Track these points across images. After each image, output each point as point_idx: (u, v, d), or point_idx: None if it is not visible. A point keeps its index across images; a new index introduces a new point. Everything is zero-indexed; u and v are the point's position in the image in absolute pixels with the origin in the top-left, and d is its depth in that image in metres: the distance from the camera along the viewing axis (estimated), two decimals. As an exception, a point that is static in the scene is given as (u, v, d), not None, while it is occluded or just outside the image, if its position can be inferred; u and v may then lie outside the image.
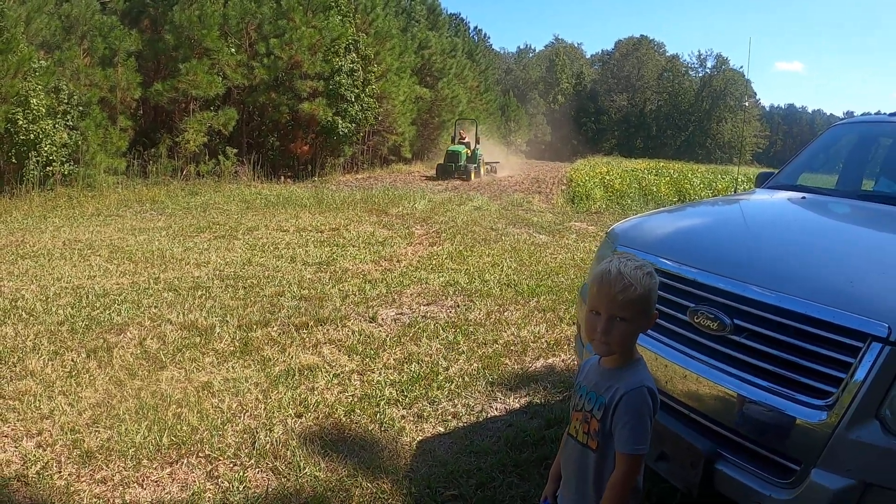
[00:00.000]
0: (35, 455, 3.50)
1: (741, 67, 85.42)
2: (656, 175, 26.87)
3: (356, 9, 26.80)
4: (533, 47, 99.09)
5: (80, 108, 16.65)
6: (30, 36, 15.80)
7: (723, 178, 25.56)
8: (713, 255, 3.01)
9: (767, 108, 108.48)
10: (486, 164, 29.27)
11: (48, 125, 15.03)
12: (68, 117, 16.13)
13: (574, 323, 5.76)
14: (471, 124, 31.59)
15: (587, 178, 23.18)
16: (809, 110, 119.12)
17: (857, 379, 2.18)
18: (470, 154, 26.83)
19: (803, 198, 3.94)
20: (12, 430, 3.80)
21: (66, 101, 16.12)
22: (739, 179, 23.45)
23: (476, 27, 71.23)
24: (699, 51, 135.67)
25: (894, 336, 2.14)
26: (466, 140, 28.12)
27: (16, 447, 3.61)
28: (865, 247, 3.08)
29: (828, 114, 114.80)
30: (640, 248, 3.25)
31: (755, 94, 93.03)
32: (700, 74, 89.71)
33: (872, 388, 2.15)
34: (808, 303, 2.39)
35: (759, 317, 2.52)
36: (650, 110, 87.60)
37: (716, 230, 3.61)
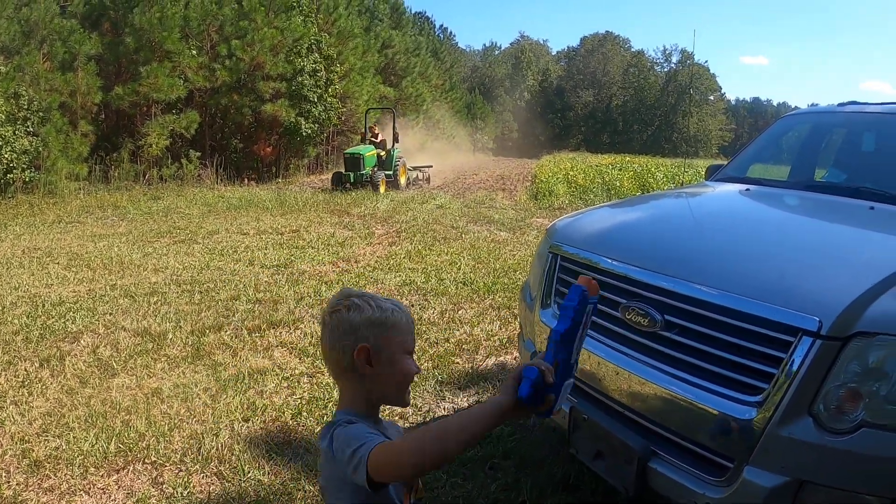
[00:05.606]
0: (-17, 465, 3.55)
1: (706, 62, 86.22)
2: (620, 170, 27.11)
3: (318, 8, 26.75)
4: (499, 45, 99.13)
5: (41, 113, 16.51)
6: (-13, 41, 15.66)
7: (687, 172, 25.86)
8: (646, 251, 2.95)
9: (733, 102, 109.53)
10: (412, 168, 22.69)
11: (8, 132, 14.94)
12: (28, 123, 16.01)
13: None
14: (385, 116, 25.66)
15: (551, 175, 23.34)
16: (775, 103, 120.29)
17: (788, 374, 2.13)
18: (384, 157, 20.37)
19: (747, 189, 3.90)
20: (-39, 441, 3.83)
21: (25, 106, 16.00)
22: (702, 172, 23.82)
23: (441, 25, 71.37)
24: (664, 46, 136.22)
25: (826, 330, 2.09)
26: (381, 138, 21.22)
27: (-36, 458, 3.65)
28: (802, 239, 3.03)
29: (793, 106, 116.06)
30: (576, 244, 3.24)
31: (720, 88, 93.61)
32: (665, 70, 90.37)
33: (804, 384, 2.10)
34: (738, 297, 2.34)
35: (690, 312, 2.48)
36: (616, 105, 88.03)
37: (651, 225, 3.57)
